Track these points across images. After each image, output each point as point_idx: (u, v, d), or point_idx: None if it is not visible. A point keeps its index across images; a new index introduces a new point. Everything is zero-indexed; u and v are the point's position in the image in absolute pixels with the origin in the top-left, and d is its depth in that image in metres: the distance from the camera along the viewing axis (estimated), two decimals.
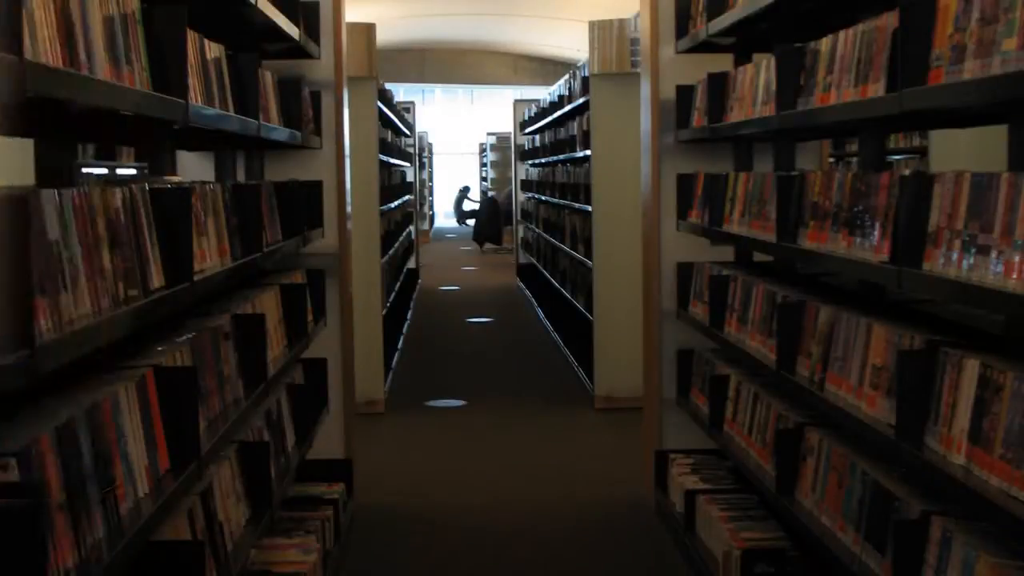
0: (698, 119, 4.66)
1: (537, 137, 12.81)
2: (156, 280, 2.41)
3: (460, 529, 4.93)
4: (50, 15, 1.86)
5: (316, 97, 4.85)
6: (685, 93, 4.82)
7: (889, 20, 2.70)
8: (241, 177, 4.57)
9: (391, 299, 9.03)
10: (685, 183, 4.82)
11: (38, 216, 1.79)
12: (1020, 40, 2.05)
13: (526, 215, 14.62)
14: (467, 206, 25.36)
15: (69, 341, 1.83)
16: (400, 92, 20.65)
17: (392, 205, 9.36)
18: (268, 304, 3.75)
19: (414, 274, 13.61)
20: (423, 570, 4.48)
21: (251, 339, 3.32)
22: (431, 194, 25.65)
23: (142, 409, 2.33)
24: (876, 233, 2.73)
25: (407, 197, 12.40)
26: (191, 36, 2.78)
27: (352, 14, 6.02)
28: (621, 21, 7.18)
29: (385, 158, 8.41)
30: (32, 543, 1.65)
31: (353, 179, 5.62)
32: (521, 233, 15.58)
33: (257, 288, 3.93)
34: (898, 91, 2.54)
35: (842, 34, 3.06)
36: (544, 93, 13.03)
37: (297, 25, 4.37)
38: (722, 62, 4.69)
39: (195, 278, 2.61)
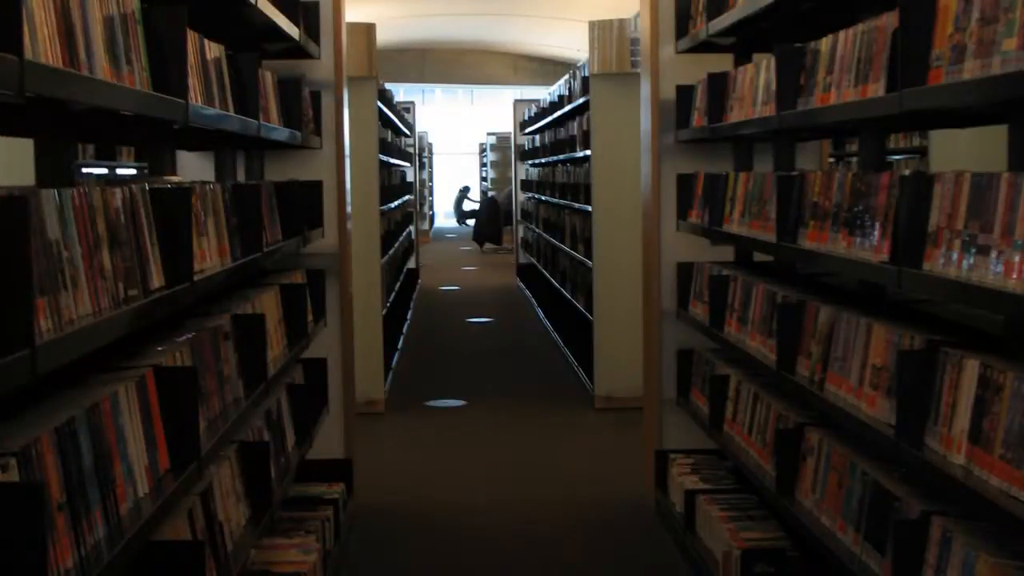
0: (698, 119, 4.66)
1: (537, 137, 12.80)
2: (156, 280, 2.41)
3: (460, 529, 4.93)
4: (50, 15, 1.86)
5: (316, 97, 4.85)
6: (685, 93, 4.82)
7: (889, 20, 2.70)
8: (241, 177, 4.57)
9: (391, 299, 9.03)
10: (685, 183, 4.82)
11: (38, 216, 1.79)
12: (1020, 40, 2.05)
13: (526, 215, 14.62)
14: (467, 206, 25.35)
15: (69, 341, 1.83)
16: (400, 92, 20.64)
17: (392, 205, 9.35)
18: (268, 304, 3.75)
19: (414, 274, 13.60)
20: (423, 570, 4.48)
21: (251, 339, 3.32)
22: (431, 194, 25.65)
23: (142, 409, 2.33)
24: (876, 233, 2.73)
25: (407, 197, 12.40)
26: (191, 36, 2.78)
27: (352, 14, 6.02)
28: (621, 21, 7.18)
29: (385, 158, 8.40)
30: (32, 543, 1.65)
31: (353, 179, 5.62)
32: (521, 233, 15.58)
33: (257, 288, 3.93)
34: (898, 91, 2.54)
35: (842, 34, 3.06)
36: (544, 93, 13.03)
37: (297, 25, 4.37)
38: (722, 62, 4.69)
39: (195, 278, 2.61)
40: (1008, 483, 2.11)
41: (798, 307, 3.41)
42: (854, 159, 7.77)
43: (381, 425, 6.92)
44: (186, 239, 2.56)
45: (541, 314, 11.21)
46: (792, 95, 3.45)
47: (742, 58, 4.61)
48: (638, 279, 5.89)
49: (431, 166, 25.75)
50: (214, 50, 3.15)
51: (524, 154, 14.98)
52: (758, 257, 4.57)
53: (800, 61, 3.42)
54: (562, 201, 9.59)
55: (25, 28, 1.70)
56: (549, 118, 10.56)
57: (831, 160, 9.56)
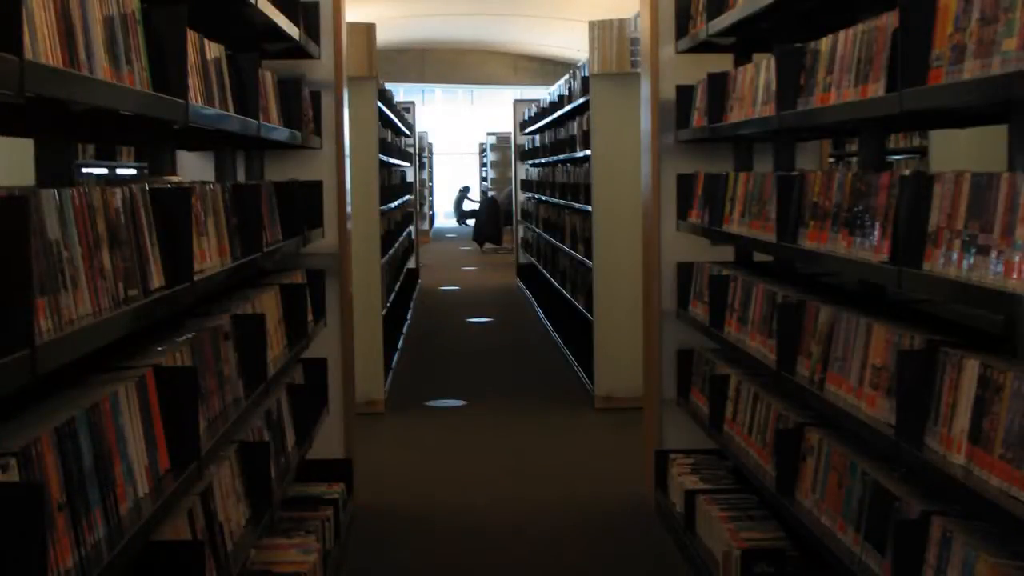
0: (698, 119, 4.66)
1: (537, 137, 12.80)
2: (156, 280, 2.41)
3: (460, 529, 4.93)
4: (50, 15, 1.86)
5: (316, 97, 4.85)
6: (685, 93, 4.82)
7: (889, 20, 2.70)
8: (241, 177, 4.57)
9: (391, 299, 9.03)
10: (685, 183, 4.82)
11: (38, 216, 1.79)
12: (1020, 40, 2.05)
13: (526, 215, 14.62)
14: (467, 206, 25.35)
15: (69, 341, 1.83)
16: (400, 92, 20.64)
17: (392, 205, 9.36)
18: (268, 304, 3.75)
19: (414, 274, 13.60)
20: (423, 570, 4.48)
21: (251, 339, 3.32)
22: (431, 194, 25.65)
23: (142, 409, 2.33)
24: (876, 233, 2.73)
25: (407, 197, 12.40)
26: (191, 36, 2.78)
27: (352, 14, 6.02)
28: (621, 21, 7.18)
29: (385, 158, 8.40)
30: (32, 543, 1.65)
31: (353, 179, 5.62)
32: (521, 233, 15.58)
33: (257, 288, 3.93)
34: (898, 91, 2.54)
35: (842, 34, 3.06)
36: (544, 93, 13.03)
37: (297, 25, 4.37)
38: (722, 62, 4.69)
39: (195, 278, 2.61)
40: (1008, 483, 2.12)
41: (798, 307, 3.41)
42: (854, 159, 7.77)
43: (381, 425, 6.92)
44: (186, 239, 2.56)
45: (541, 314, 11.21)
46: (792, 95, 3.45)
47: (742, 58, 4.61)
48: (638, 279, 5.89)
49: (431, 166, 25.74)
50: (214, 50, 3.15)
51: (524, 154, 14.98)
52: (758, 257, 4.57)
53: (800, 61, 3.42)
54: (562, 201, 9.59)
55: (25, 28, 1.70)
56: (549, 118, 10.56)
57: (831, 160, 9.55)
